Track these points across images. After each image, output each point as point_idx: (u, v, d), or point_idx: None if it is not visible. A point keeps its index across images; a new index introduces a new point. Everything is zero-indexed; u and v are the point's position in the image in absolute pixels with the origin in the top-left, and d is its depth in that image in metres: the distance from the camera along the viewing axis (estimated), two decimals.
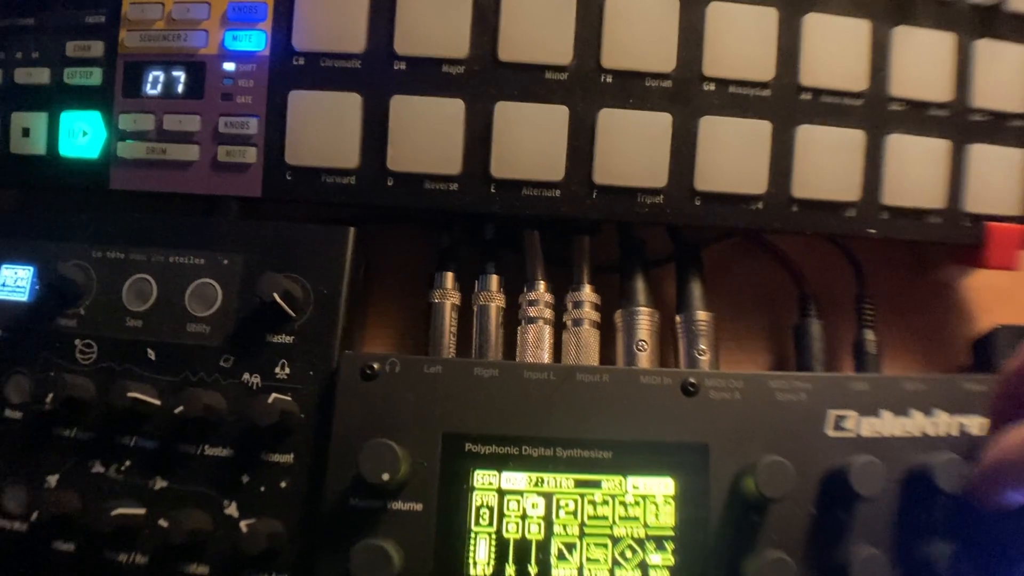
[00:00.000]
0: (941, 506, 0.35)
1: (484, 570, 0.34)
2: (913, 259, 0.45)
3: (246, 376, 0.36)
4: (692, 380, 0.35)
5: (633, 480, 0.35)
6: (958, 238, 0.40)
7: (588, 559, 0.34)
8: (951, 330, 0.44)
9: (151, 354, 0.36)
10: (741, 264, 0.43)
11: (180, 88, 0.39)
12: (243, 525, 0.34)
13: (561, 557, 0.34)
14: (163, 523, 0.34)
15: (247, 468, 0.35)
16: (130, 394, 0.34)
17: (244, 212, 0.40)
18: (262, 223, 0.38)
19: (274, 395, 0.35)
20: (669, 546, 0.34)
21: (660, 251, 0.42)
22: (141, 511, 0.34)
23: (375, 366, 0.35)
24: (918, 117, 0.39)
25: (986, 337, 0.41)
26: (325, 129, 0.38)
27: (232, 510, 0.35)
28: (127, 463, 0.35)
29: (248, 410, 0.34)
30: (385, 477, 0.32)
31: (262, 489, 0.35)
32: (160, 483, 0.35)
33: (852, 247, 0.42)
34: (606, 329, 0.39)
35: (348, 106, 0.38)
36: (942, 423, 0.37)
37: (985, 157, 0.40)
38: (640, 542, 0.34)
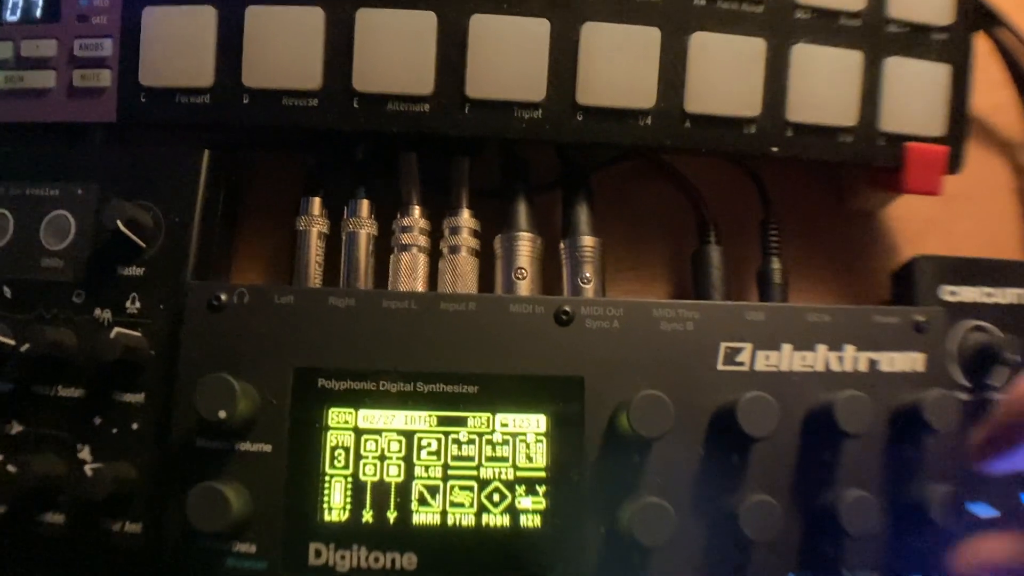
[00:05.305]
0: (843, 448, 0.32)
1: (339, 515, 0.31)
2: (830, 187, 0.42)
3: (97, 311, 0.35)
4: (566, 308, 0.32)
5: (502, 417, 0.32)
6: (873, 159, 0.37)
7: (452, 503, 0.31)
8: (871, 263, 0.41)
9: (7, 292, 0.35)
10: (638, 189, 0.40)
11: (38, 11, 0.37)
12: (88, 469, 0.32)
13: (423, 502, 0.31)
14: (11, 468, 0.32)
15: (99, 409, 0.33)
16: None
17: (111, 140, 0.37)
18: (115, 149, 0.36)
19: (117, 329, 0.33)
20: (541, 489, 0.31)
21: (549, 177, 0.39)
22: None
23: (222, 297, 0.33)
24: (827, 26, 0.36)
25: (904, 268, 0.38)
26: (178, 46, 0.35)
27: (85, 454, 0.33)
28: None
29: (92, 347, 0.32)
30: (222, 415, 0.29)
31: (114, 431, 0.33)
32: (16, 427, 0.34)
33: (759, 170, 0.39)
34: (486, 258, 0.36)
35: (202, 19, 0.35)
36: (849, 358, 0.34)
37: (903, 72, 0.37)
38: (509, 485, 0.31)
